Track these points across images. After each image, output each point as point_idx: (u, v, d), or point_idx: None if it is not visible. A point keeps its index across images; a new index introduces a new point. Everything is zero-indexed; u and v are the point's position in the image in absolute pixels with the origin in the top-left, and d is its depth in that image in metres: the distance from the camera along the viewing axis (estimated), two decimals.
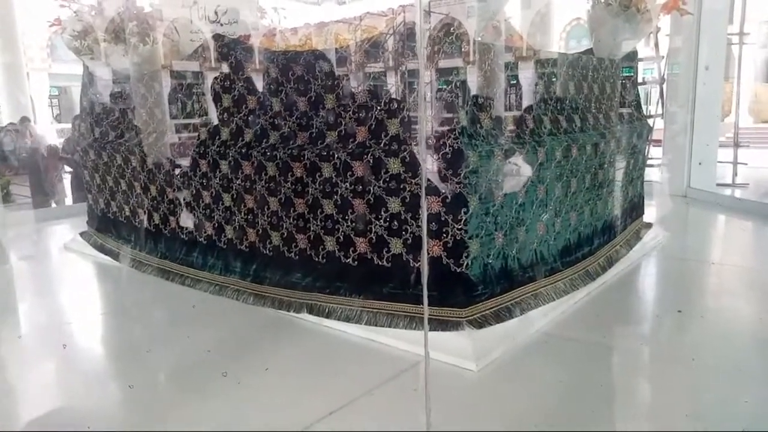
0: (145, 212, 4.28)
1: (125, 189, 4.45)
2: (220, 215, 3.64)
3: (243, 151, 3.41)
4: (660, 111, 7.73)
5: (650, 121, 7.93)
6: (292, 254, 3.26)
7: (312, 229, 3.14)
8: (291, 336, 2.95)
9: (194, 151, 3.71)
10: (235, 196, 3.52)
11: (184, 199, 3.89)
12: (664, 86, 7.47)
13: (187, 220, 3.92)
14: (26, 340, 3.16)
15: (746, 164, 9.28)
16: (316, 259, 3.15)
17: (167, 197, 4.03)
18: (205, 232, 3.78)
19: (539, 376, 2.47)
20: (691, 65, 6.39)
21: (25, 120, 9.27)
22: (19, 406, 2.45)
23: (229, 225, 3.61)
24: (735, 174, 8.99)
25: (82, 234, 5.10)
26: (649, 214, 5.02)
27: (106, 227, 4.80)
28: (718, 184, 7.73)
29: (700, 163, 6.47)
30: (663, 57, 7.48)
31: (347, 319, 2.97)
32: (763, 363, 2.54)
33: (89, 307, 3.75)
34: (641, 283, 3.89)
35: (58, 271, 4.78)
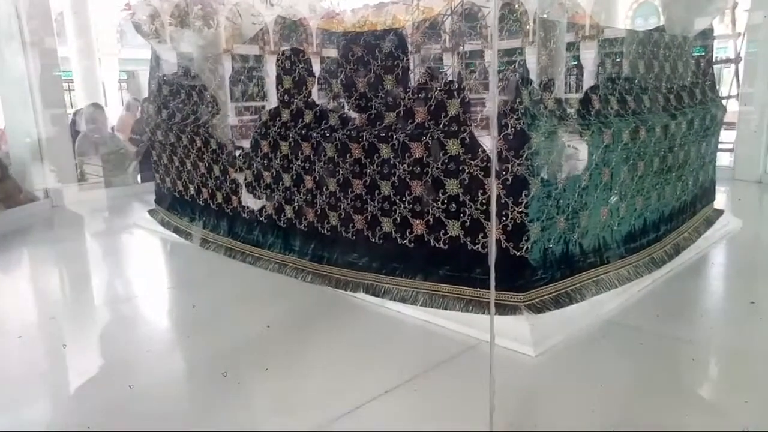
0: (209, 191, 4.43)
1: (190, 168, 4.61)
2: (280, 195, 3.72)
3: (303, 132, 3.46)
4: (735, 92, 7.29)
5: (724, 103, 7.51)
6: (350, 234, 3.30)
7: (369, 210, 3.16)
8: (348, 314, 3.00)
9: (256, 132, 3.79)
10: (294, 176, 3.58)
11: (245, 179, 4.00)
12: (740, 66, 7.03)
13: (248, 200, 4.03)
14: (99, 311, 3.35)
15: None
16: (373, 240, 3.18)
17: (230, 177, 4.15)
18: (265, 212, 3.88)
19: (598, 364, 2.41)
20: None
21: (95, 106, 9.72)
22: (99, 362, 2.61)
23: (288, 205, 3.68)
24: None
25: (150, 212, 5.34)
26: (721, 200, 4.77)
27: (173, 205, 5.00)
28: None
29: None
30: (740, 34, 7.03)
31: (403, 300, 2.98)
32: None
33: (156, 281, 3.93)
34: (710, 272, 3.70)
35: (126, 246, 5.02)
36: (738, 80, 7.23)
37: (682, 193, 3.85)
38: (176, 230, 4.78)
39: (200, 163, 4.46)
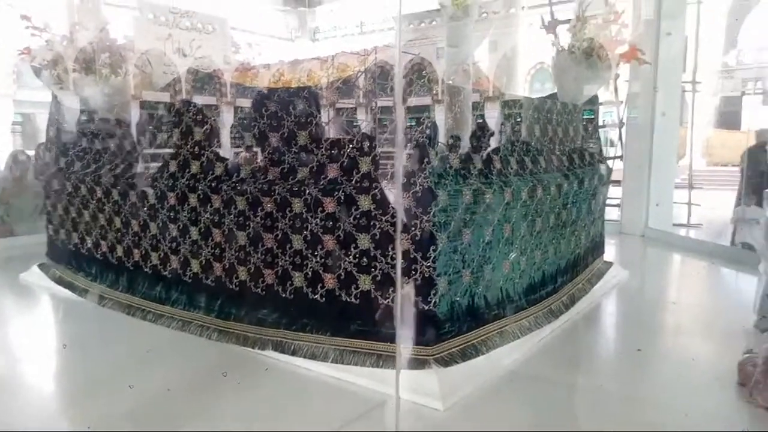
0: (108, 244, 4.19)
1: (88, 220, 4.36)
2: (186, 248, 3.59)
3: (213, 184, 3.40)
4: (619, 153, 8.04)
5: (610, 163, 8.24)
6: (259, 289, 3.24)
7: (280, 264, 3.13)
8: (255, 374, 2.90)
9: (163, 182, 3.68)
10: (202, 229, 3.49)
11: (149, 232, 3.83)
12: (623, 129, 7.80)
13: (151, 254, 3.85)
14: None
15: (699, 205, 9.68)
16: (284, 295, 3.13)
17: (132, 229, 3.96)
18: (170, 266, 3.72)
19: (505, 416, 2.48)
20: (648, 110, 6.70)
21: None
22: None
23: (195, 259, 3.56)
24: (690, 214, 9.36)
25: (40, 266, 4.94)
26: (610, 253, 5.16)
27: (67, 259, 4.67)
28: (674, 224, 8.02)
29: (657, 204, 6.72)
30: (622, 102, 7.83)
31: (313, 357, 2.94)
32: (717, 400, 2.61)
33: (44, 342, 3.61)
34: (602, 322, 3.97)
35: (10, 304, 4.59)
36: (622, 142, 8.00)
37: (575, 247, 4.14)
38: (70, 286, 4.44)
39: (100, 214, 4.23)
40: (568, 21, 4.57)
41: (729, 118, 20.79)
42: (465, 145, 3.17)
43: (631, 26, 4.58)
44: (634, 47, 4.35)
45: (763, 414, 2.41)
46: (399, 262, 2.60)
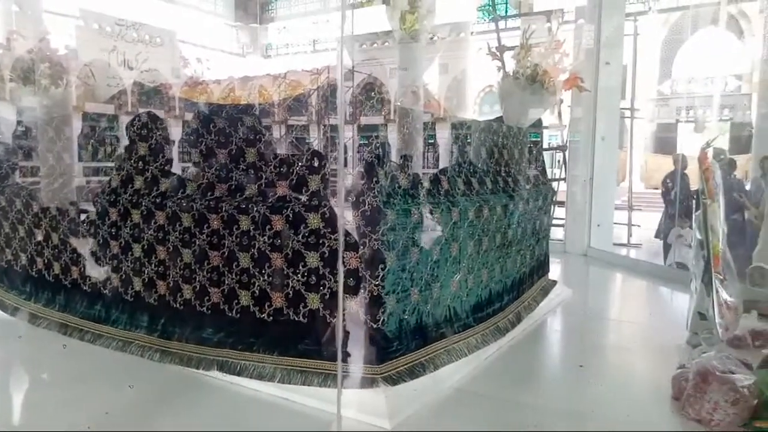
0: (44, 261, 4.00)
1: (23, 236, 4.15)
2: (128, 266, 3.48)
3: (158, 200, 3.32)
4: (563, 175, 8.35)
5: (555, 184, 8.53)
6: (204, 308, 3.16)
7: (227, 282, 3.07)
8: (199, 395, 2.82)
9: (104, 198, 3.56)
10: (146, 246, 3.38)
11: (89, 249, 3.69)
12: (567, 152, 8.12)
13: (91, 271, 3.70)
14: None
15: (639, 226, 10.14)
16: (230, 314, 3.07)
17: (70, 246, 3.80)
18: (110, 284, 3.59)
19: None
20: (589, 135, 6.99)
21: None
22: None
23: (137, 277, 3.45)
24: (630, 235, 9.79)
25: None
26: (554, 272, 5.32)
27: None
28: (615, 244, 8.36)
29: (598, 225, 6.99)
30: (565, 126, 8.16)
31: (260, 377, 2.88)
32: (652, 413, 2.72)
33: None
34: (547, 339, 4.08)
35: None
36: (565, 164, 8.30)
37: (521, 266, 4.25)
38: (1, 305, 4.21)
39: (36, 230, 4.04)
40: (513, 48, 4.75)
41: (665, 143, 21.94)
42: (414, 164, 3.22)
43: (572, 55, 4.79)
44: (575, 75, 4.56)
45: (694, 425, 2.52)
46: (341, 281, 2.60)
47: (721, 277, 3.27)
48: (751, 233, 5.79)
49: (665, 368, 2.99)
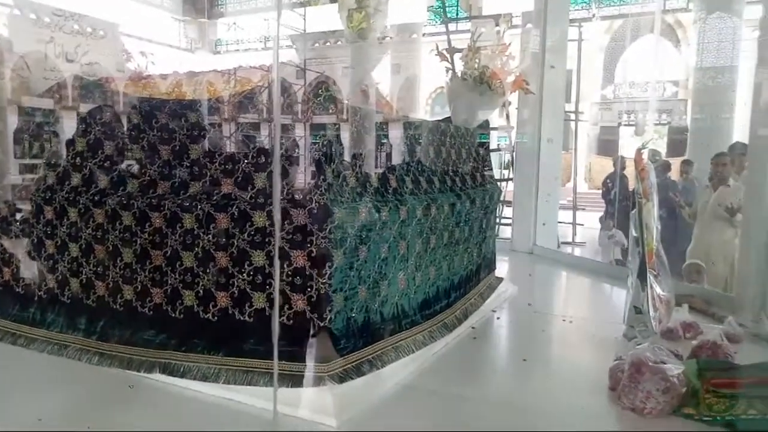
0: None
1: None
2: (65, 267, 3.34)
3: (96, 198, 3.20)
4: (511, 175, 8.55)
5: (503, 184, 8.72)
6: (146, 309, 3.07)
7: (170, 282, 3.00)
8: (141, 399, 2.74)
9: (39, 195, 3.40)
10: (84, 246, 3.26)
11: (23, 249, 3.52)
12: (514, 153, 8.32)
13: (25, 272, 3.53)
14: None
15: (583, 225, 10.50)
16: (173, 315, 3.00)
17: (1, 246, 3.61)
18: (45, 286, 3.43)
19: (397, 429, 2.52)
20: (536, 136, 7.19)
21: None
22: None
23: (75, 278, 3.31)
24: (575, 233, 10.12)
25: None
26: (501, 269, 5.45)
27: None
28: (562, 243, 8.62)
29: (543, 224, 7.19)
30: (513, 128, 8.36)
31: (204, 378, 2.82)
32: (590, 404, 2.82)
33: None
34: (493, 334, 4.17)
35: None
36: (513, 165, 8.50)
37: (468, 263, 4.33)
38: None
39: None
40: (462, 50, 4.83)
41: (608, 145, 22.85)
42: (366, 162, 3.23)
43: (518, 58, 4.92)
44: (520, 77, 4.68)
45: (628, 414, 2.64)
46: (277, 281, 2.59)
47: (655, 273, 3.44)
48: (683, 231, 6.10)
49: (604, 360, 3.11)
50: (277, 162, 2.33)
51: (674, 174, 9.58)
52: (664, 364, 2.72)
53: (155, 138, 3.07)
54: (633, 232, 3.61)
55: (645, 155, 3.58)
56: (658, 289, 3.42)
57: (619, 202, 7.28)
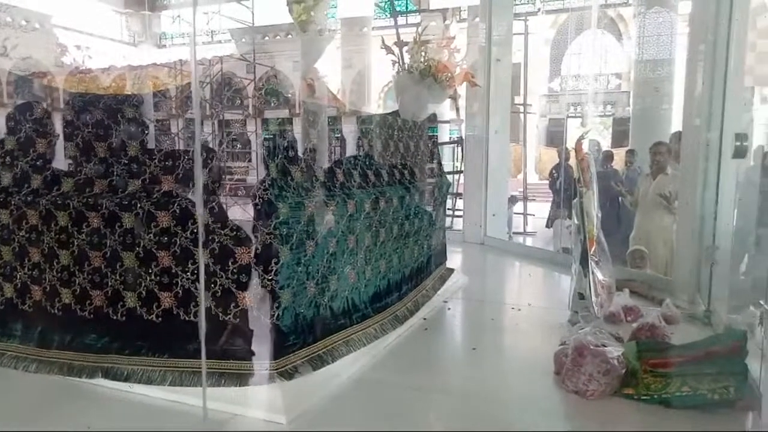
0: None
1: None
2: None
3: (29, 198, 3.06)
4: (462, 167, 8.65)
5: (455, 177, 8.81)
6: (86, 313, 2.96)
7: (110, 284, 2.90)
8: (83, 406, 2.64)
9: None
10: (17, 249, 3.11)
11: None
12: (464, 146, 8.42)
13: None
14: None
15: (533, 215, 10.76)
16: (115, 317, 2.90)
17: None
18: None
19: (349, 423, 2.53)
20: (484, 129, 7.29)
21: None
22: None
23: (8, 283, 3.16)
24: (526, 223, 10.36)
25: None
26: (452, 260, 5.52)
27: None
28: (514, 233, 8.80)
29: (494, 215, 7.32)
30: (463, 120, 8.45)
31: (150, 382, 2.75)
32: (535, 387, 2.90)
33: None
34: (444, 324, 4.22)
35: None
36: (463, 158, 8.61)
37: (419, 256, 4.36)
38: None
39: None
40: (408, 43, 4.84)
41: (556, 137, 23.45)
42: (319, 157, 3.21)
43: (464, 51, 4.97)
44: (466, 70, 4.73)
45: (572, 397, 2.72)
46: (202, 276, 2.55)
47: (596, 259, 3.55)
48: (626, 219, 6.34)
49: (549, 346, 3.20)
50: (198, 154, 2.29)
51: (618, 163, 9.93)
52: (605, 347, 2.82)
53: (90, 135, 2.96)
54: (575, 220, 3.72)
55: (585, 145, 3.69)
56: (599, 275, 3.54)
57: (564, 192, 7.49)
